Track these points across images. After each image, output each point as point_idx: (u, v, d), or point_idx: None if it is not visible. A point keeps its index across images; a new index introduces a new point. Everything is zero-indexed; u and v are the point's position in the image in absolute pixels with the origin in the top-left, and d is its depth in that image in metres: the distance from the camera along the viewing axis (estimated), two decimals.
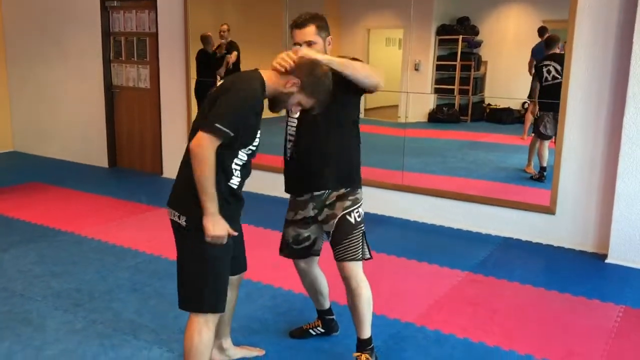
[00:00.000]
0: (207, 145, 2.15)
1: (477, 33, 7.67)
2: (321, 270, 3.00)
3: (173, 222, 2.37)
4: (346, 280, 2.72)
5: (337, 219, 2.70)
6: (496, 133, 7.56)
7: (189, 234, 2.30)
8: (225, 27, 6.41)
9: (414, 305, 3.55)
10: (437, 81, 7.85)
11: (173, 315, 3.34)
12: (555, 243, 4.63)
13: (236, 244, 2.52)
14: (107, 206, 5.56)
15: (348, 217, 2.70)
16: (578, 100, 4.42)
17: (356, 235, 2.70)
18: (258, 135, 2.36)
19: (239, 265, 2.67)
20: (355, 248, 2.70)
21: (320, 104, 2.38)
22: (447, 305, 3.56)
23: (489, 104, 7.89)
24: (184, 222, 2.29)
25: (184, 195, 2.30)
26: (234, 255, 2.49)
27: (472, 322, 3.34)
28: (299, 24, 2.62)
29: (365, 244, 2.75)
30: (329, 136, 2.66)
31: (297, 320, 3.34)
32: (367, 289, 2.70)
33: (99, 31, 6.90)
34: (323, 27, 2.63)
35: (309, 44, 2.59)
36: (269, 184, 5.96)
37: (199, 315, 2.37)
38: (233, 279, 2.64)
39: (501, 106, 7.66)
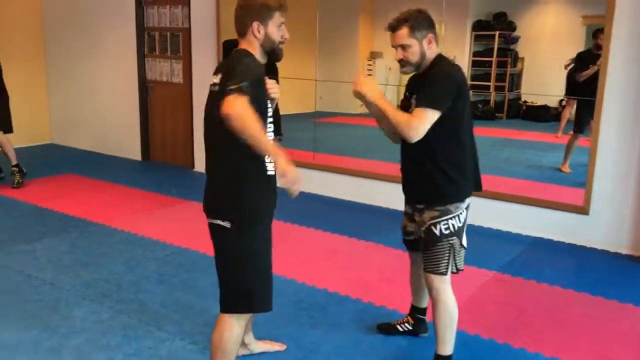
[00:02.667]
0: (237, 102, 2.03)
1: (514, 29, 7.53)
2: None
3: (212, 225, 2.34)
4: (428, 290, 2.70)
5: (424, 227, 2.65)
6: (532, 131, 7.43)
7: (234, 236, 2.27)
8: None
9: None
10: (473, 77, 7.75)
11: (198, 307, 3.37)
12: (588, 244, 4.50)
13: None
14: (139, 198, 5.64)
15: (433, 228, 2.60)
16: (615, 98, 4.29)
17: (440, 248, 2.60)
18: (269, 106, 2.32)
19: None
20: (437, 261, 2.61)
21: (284, 3, 2.35)
22: (472, 305, 3.50)
23: (525, 101, 7.75)
24: (228, 224, 2.27)
25: (223, 199, 2.29)
26: None
27: (497, 323, 3.28)
28: (391, 27, 2.56)
29: (452, 258, 2.62)
30: (415, 146, 2.55)
31: (320, 315, 3.34)
32: (446, 304, 2.63)
33: (134, 26, 7.00)
34: (418, 26, 2.52)
35: (403, 47, 2.54)
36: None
37: (231, 314, 2.37)
38: None
39: (538, 103, 7.52)
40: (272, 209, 2.39)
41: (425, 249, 2.65)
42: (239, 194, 2.26)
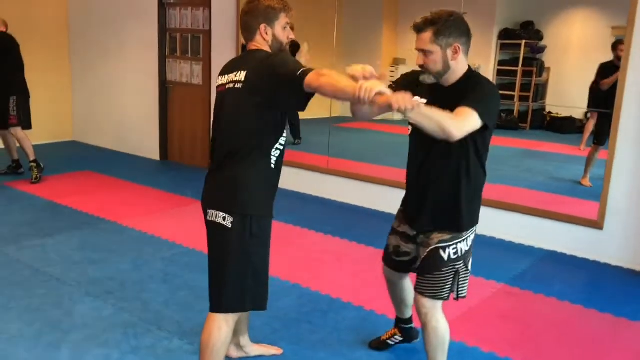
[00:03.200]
0: (323, 72, 2.06)
1: (541, 38, 7.43)
2: (411, 282, 2.80)
3: (212, 224, 2.35)
4: (417, 312, 2.52)
5: (429, 249, 2.45)
6: (555, 142, 7.30)
7: (235, 235, 2.29)
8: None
9: None
10: (498, 87, 7.65)
11: (200, 308, 3.37)
12: (601, 259, 4.40)
13: None
14: (153, 197, 5.69)
15: (442, 251, 2.42)
16: (633, 110, 4.19)
17: (445, 273, 2.43)
18: None
19: None
20: (440, 286, 2.44)
21: (287, 3, 2.38)
22: (476, 317, 3.45)
23: (549, 112, 7.63)
24: (230, 223, 2.29)
25: (230, 196, 2.30)
26: None
27: (500, 336, 3.23)
28: (416, 27, 2.31)
29: (456, 284, 2.45)
30: (435, 163, 2.40)
31: (320, 320, 3.32)
32: (436, 329, 2.48)
33: (156, 27, 7.08)
34: (444, 32, 2.26)
35: (424, 53, 2.30)
36: (313, 184, 5.97)
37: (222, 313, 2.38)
38: None
39: (563, 115, 7.39)
40: (272, 203, 2.41)
41: (426, 273, 2.45)
42: (245, 188, 2.28)
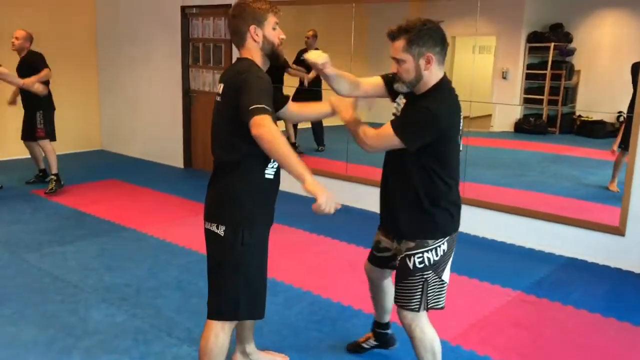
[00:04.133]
0: (266, 122, 2.06)
1: (570, 40, 7.29)
2: (392, 286, 2.76)
3: (208, 231, 2.39)
4: (404, 326, 2.50)
5: (400, 257, 2.48)
6: (584, 147, 7.15)
7: (228, 243, 2.31)
8: (310, 32, 6.46)
9: (453, 323, 3.41)
10: (527, 90, 7.55)
11: None
12: (623, 267, 4.29)
13: None
14: (174, 205, 5.77)
15: (408, 260, 2.42)
16: None
17: (412, 282, 2.40)
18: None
19: None
20: (409, 296, 2.42)
21: (274, 5, 2.37)
22: (488, 325, 3.40)
23: (579, 116, 7.48)
24: (222, 232, 2.31)
25: (221, 207, 2.33)
26: None
27: (512, 345, 3.17)
28: (389, 35, 2.32)
29: (425, 294, 2.41)
30: (395, 174, 2.46)
31: (329, 329, 3.31)
32: (423, 340, 2.45)
33: (179, 37, 7.19)
34: (417, 41, 2.24)
35: (397, 61, 2.30)
36: (331, 190, 5.95)
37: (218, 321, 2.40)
38: None
39: (593, 118, 7.23)
40: (269, 214, 2.41)
41: (397, 281, 2.47)
42: (236, 200, 2.30)
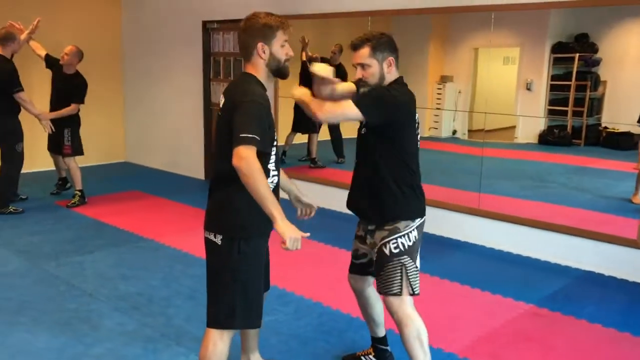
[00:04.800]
0: (248, 155, 2.13)
1: (595, 51, 7.20)
2: (378, 295, 2.83)
3: (207, 241, 2.43)
4: (390, 314, 2.63)
5: (376, 249, 2.65)
6: (609, 159, 7.03)
7: (225, 251, 2.35)
8: (336, 47, 6.52)
9: (462, 335, 3.39)
10: (551, 102, 7.47)
11: None
12: None
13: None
14: (192, 216, 5.85)
15: (384, 248, 2.60)
16: None
17: (391, 268, 2.57)
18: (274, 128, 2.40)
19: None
20: (390, 281, 2.57)
21: (284, 21, 2.40)
22: (498, 338, 3.36)
23: (605, 127, 7.36)
24: (220, 240, 2.35)
25: (218, 216, 2.38)
26: None
27: (521, 359, 3.13)
28: (353, 45, 2.61)
29: (405, 278, 2.56)
30: (367, 164, 2.68)
31: (337, 340, 3.32)
32: (410, 326, 2.56)
33: (201, 51, 7.33)
34: (379, 48, 2.56)
35: (363, 67, 2.59)
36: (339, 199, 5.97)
37: (216, 329, 2.43)
38: None
39: (620, 130, 7.12)
40: (265, 225, 2.39)
41: (378, 271, 2.63)
42: (232, 210, 2.34)
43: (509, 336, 3.39)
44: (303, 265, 4.48)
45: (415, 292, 2.60)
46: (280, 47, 2.36)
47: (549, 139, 7.45)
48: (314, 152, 7.00)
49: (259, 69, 2.37)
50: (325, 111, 2.52)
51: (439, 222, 5.21)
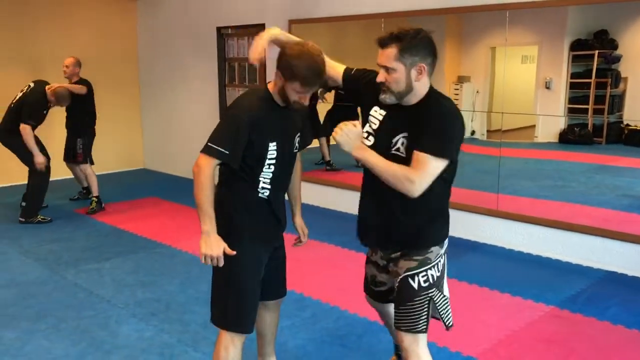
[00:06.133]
0: (202, 164, 2.24)
1: (615, 47, 7.09)
2: None
3: None
4: (401, 349, 2.33)
5: (399, 279, 2.29)
6: (632, 157, 6.91)
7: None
8: None
9: (481, 339, 3.34)
10: (571, 100, 7.37)
11: None
12: None
13: (273, 269, 2.56)
14: None
15: (411, 280, 2.25)
16: None
17: (418, 304, 2.24)
18: (272, 148, 2.33)
19: (274, 291, 2.66)
20: (415, 318, 2.25)
21: (310, 82, 2.21)
22: (518, 341, 3.31)
23: (627, 125, 7.24)
24: None
25: (215, 219, 2.36)
26: (269, 280, 2.54)
27: None
28: (380, 42, 2.18)
29: (429, 313, 2.27)
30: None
31: (353, 345, 3.29)
32: None
33: (215, 57, 7.36)
34: (410, 50, 2.12)
35: (387, 69, 2.16)
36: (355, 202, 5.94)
37: (226, 332, 2.43)
38: (270, 303, 2.68)
39: None
40: (259, 230, 2.41)
41: (400, 305, 2.28)
42: (223, 213, 2.35)
43: (529, 339, 3.33)
44: (320, 270, 4.46)
45: (448, 325, 2.33)
46: (294, 92, 2.28)
47: (570, 137, 7.34)
48: (327, 155, 6.98)
49: (275, 88, 2.34)
50: (420, 184, 2.10)
51: (457, 223, 5.13)
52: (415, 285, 2.25)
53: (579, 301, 3.85)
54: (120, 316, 3.67)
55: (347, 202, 5.78)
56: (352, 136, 2.19)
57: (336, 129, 2.21)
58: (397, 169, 2.13)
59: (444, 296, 2.32)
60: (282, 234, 2.59)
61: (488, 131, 7.72)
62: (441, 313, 2.30)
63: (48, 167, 5.80)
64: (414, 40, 2.13)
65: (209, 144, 2.23)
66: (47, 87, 5.76)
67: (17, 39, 7.37)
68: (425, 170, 2.10)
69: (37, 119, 5.65)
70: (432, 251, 2.28)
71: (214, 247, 2.26)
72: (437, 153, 2.10)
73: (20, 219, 5.76)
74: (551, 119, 7.40)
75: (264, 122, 2.29)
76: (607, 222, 4.70)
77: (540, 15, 6.00)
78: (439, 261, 2.30)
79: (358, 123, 2.25)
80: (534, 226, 4.89)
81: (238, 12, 6.97)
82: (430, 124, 2.13)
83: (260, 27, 6.76)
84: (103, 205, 6.23)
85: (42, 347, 3.29)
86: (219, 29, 7.29)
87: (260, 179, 2.36)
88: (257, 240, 2.41)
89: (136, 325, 3.55)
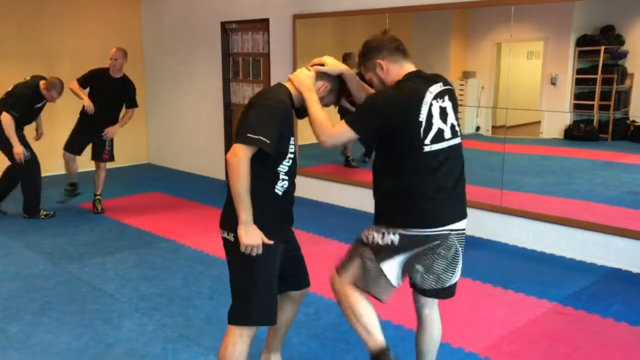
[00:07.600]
0: (241, 154, 2.22)
1: (622, 43, 7.05)
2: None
3: (223, 239, 2.47)
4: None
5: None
6: (637, 153, 6.88)
7: (236, 249, 2.36)
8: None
9: (484, 335, 3.33)
10: (577, 96, 7.34)
11: None
12: None
13: (293, 259, 2.61)
14: (212, 216, 5.81)
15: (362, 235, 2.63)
16: None
17: (352, 248, 2.64)
18: (292, 143, 2.42)
19: (299, 281, 2.71)
20: (345, 259, 2.65)
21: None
22: (520, 337, 3.30)
23: (633, 121, 7.21)
24: (232, 238, 2.38)
25: (229, 214, 2.39)
26: (292, 271, 2.60)
27: (544, 359, 3.07)
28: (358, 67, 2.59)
29: (352, 267, 2.61)
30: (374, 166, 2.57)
31: (356, 340, 3.28)
32: (339, 292, 2.61)
33: (220, 52, 7.35)
34: (364, 60, 2.49)
35: (371, 81, 2.57)
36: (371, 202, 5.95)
37: (235, 327, 2.44)
38: (295, 294, 2.72)
39: None
40: (275, 225, 2.42)
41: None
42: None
43: (532, 335, 3.32)
44: (323, 265, 4.44)
45: (377, 297, 2.59)
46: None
47: (575, 133, 7.31)
48: (349, 151, 6.87)
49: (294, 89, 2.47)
50: (327, 140, 2.41)
51: None
52: (360, 236, 2.56)
53: (583, 298, 3.84)
54: (123, 310, 3.68)
55: (352, 198, 5.78)
56: (303, 77, 2.47)
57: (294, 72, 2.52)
58: (323, 121, 2.41)
59: (380, 270, 2.46)
60: (292, 227, 2.64)
61: (493, 127, 7.70)
62: (368, 279, 2.49)
63: (36, 164, 5.65)
64: (363, 50, 2.49)
65: (248, 134, 2.22)
66: (42, 82, 5.61)
67: (22, 35, 7.38)
68: (336, 131, 2.39)
69: (20, 112, 5.44)
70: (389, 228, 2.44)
71: (255, 236, 2.28)
72: (349, 123, 2.38)
73: (24, 214, 5.77)
74: (556, 115, 7.37)
75: (290, 118, 2.38)
76: (612, 219, 4.68)
77: (546, 10, 5.98)
78: (388, 233, 2.43)
79: (312, 70, 2.51)
80: (538, 222, 4.87)
81: (242, 7, 6.96)
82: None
83: (265, 22, 6.75)
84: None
85: (45, 340, 3.30)
86: (223, 24, 7.28)
87: (280, 171, 2.40)
88: (270, 235, 2.40)
89: (139, 319, 3.56)
